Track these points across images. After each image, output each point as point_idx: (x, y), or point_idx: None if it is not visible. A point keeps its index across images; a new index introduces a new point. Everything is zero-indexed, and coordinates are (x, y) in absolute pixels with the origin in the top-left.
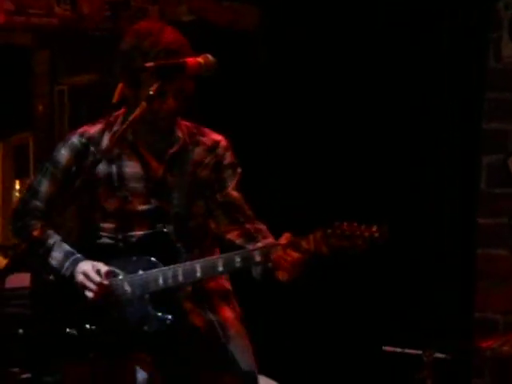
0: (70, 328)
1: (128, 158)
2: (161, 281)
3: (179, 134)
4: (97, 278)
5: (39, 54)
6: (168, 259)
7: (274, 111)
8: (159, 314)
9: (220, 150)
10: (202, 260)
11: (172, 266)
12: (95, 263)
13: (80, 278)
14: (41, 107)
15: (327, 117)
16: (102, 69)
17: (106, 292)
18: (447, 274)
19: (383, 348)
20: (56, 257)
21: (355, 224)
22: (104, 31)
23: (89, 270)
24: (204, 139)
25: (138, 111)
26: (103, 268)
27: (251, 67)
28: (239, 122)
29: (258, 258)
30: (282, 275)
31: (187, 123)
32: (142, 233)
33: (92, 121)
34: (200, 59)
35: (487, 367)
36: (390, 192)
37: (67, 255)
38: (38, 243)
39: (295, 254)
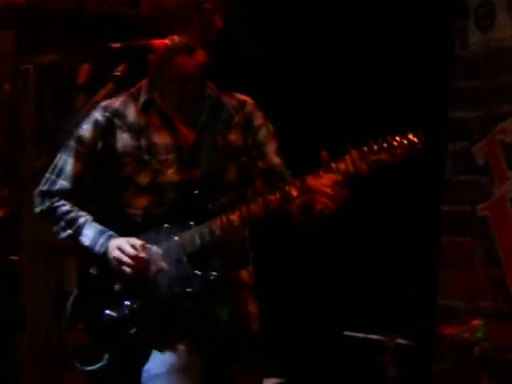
0: (109, 310)
1: (156, 129)
2: (197, 239)
3: (209, 94)
4: (132, 251)
5: (4, 33)
6: (201, 221)
7: None
8: (200, 272)
9: (248, 109)
10: (236, 210)
11: (207, 223)
12: (129, 238)
13: (115, 253)
14: (7, 86)
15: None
16: (67, 48)
17: (144, 265)
18: (411, 260)
19: (345, 333)
20: (88, 234)
21: (390, 137)
22: (69, 11)
23: (123, 244)
24: (230, 99)
25: (102, 92)
26: (138, 242)
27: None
28: None
29: (294, 193)
30: (324, 206)
31: (214, 85)
32: (171, 207)
33: (56, 100)
34: (167, 41)
35: (448, 353)
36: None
37: (100, 232)
38: (68, 222)
39: (334, 177)
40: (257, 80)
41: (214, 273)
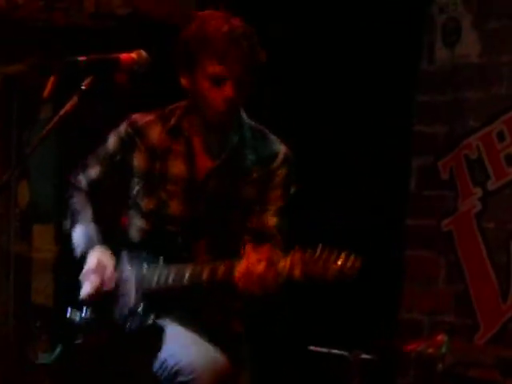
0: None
1: (175, 156)
2: (155, 279)
3: (235, 136)
4: (92, 267)
5: None
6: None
7: None
8: (143, 311)
9: (274, 166)
10: (191, 266)
11: (169, 267)
12: (103, 260)
13: (86, 264)
14: None
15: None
16: (34, 60)
17: (102, 291)
18: (375, 274)
19: (309, 348)
20: (77, 232)
21: (335, 254)
22: (37, 22)
23: (91, 260)
24: (264, 148)
25: (68, 105)
26: (109, 268)
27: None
28: None
29: (204, 276)
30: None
31: (254, 125)
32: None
33: (22, 111)
34: (133, 55)
35: (411, 368)
36: (320, 191)
37: (84, 238)
38: (72, 210)
39: (263, 272)
40: None
41: (152, 316)
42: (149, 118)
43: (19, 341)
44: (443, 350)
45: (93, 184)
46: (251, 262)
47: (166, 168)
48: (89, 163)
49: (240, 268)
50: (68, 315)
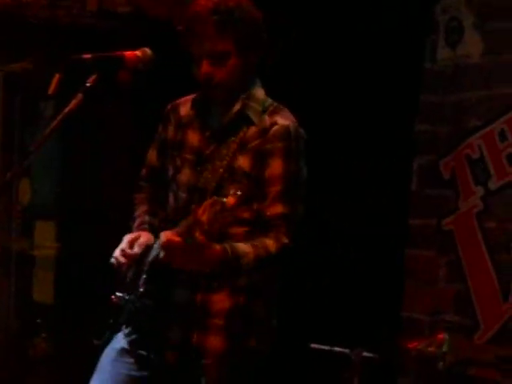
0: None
1: (193, 129)
2: (153, 253)
3: (236, 107)
4: (124, 245)
5: None
6: None
7: None
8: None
9: (271, 133)
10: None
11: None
12: (141, 233)
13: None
14: None
15: None
16: (37, 57)
17: (128, 260)
18: (376, 273)
19: (310, 345)
20: (134, 225)
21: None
22: (41, 20)
23: (127, 237)
24: (267, 119)
25: (73, 103)
26: (141, 240)
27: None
28: None
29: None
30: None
31: (270, 101)
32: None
33: (25, 109)
34: (138, 52)
35: (412, 367)
36: (323, 190)
37: (138, 225)
38: (132, 210)
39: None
40: None
41: (141, 289)
42: (187, 97)
43: (21, 338)
44: (444, 348)
45: (153, 171)
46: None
47: (185, 137)
48: (148, 154)
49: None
50: (114, 299)
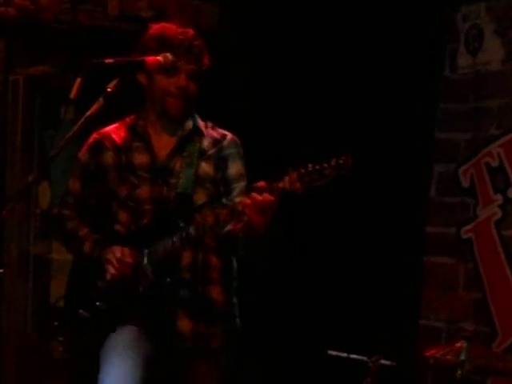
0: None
1: (137, 150)
2: (161, 247)
3: (190, 121)
4: (119, 255)
5: None
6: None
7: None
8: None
9: (224, 144)
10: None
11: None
12: (122, 247)
13: (108, 255)
14: None
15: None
16: (58, 61)
17: (127, 267)
18: (394, 281)
19: (328, 352)
20: (87, 245)
21: (323, 160)
22: (62, 23)
23: (115, 248)
24: (212, 132)
25: (94, 107)
26: (127, 249)
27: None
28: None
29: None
30: (255, 224)
31: (205, 120)
32: (148, 221)
33: (45, 112)
34: (160, 58)
35: (430, 375)
36: (342, 197)
37: (97, 244)
38: (71, 236)
39: (266, 197)
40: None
41: (168, 279)
42: (113, 126)
43: (38, 340)
44: (462, 356)
45: (77, 199)
46: (253, 195)
47: (131, 159)
48: (69, 186)
49: (244, 201)
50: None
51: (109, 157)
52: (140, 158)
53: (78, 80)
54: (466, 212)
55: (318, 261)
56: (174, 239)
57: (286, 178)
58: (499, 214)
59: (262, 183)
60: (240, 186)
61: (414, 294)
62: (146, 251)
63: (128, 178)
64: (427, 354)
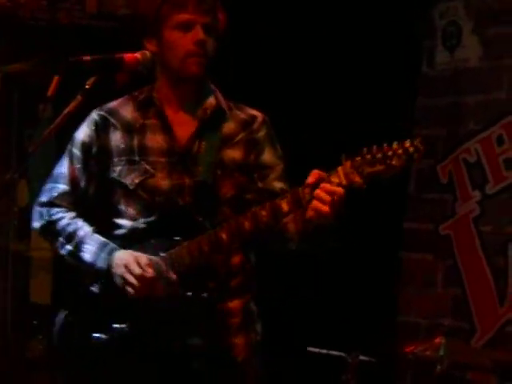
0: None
1: (151, 130)
2: (186, 256)
3: (213, 98)
4: (138, 271)
5: None
6: (190, 236)
7: None
8: (191, 293)
9: (256, 126)
10: (225, 225)
11: (195, 239)
12: (134, 253)
13: (120, 270)
14: None
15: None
16: (36, 58)
17: (150, 284)
18: (373, 277)
19: (308, 349)
20: (89, 249)
21: (385, 145)
22: (39, 21)
23: (129, 262)
24: (239, 113)
25: (72, 104)
26: (143, 258)
27: None
28: None
29: (285, 207)
30: (318, 216)
31: (227, 98)
32: (161, 216)
33: (23, 110)
34: (138, 55)
35: (409, 371)
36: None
37: (102, 246)
38: (68, 237)
39: (329, 188)
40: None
41: (205, 294)
42: (120, 100)
43: (17, 339)
44: (441, 352)
45: (76, 187)
46: (324, 185)
47: (145, 142)
48: (59, 169)
49: (315, 192)
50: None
51: (117, 137)
52: (155, 140)
53: (56, 78)
54: (445, 208)
55: (295, 257)
56: (202, 244)
57: (340, 170)
58: (477, 211)
59: (313, 175)
60: (277, 169)
61: (393, 290)
62: (166, 256)
63: (139, 164)
64: (406, 349)
